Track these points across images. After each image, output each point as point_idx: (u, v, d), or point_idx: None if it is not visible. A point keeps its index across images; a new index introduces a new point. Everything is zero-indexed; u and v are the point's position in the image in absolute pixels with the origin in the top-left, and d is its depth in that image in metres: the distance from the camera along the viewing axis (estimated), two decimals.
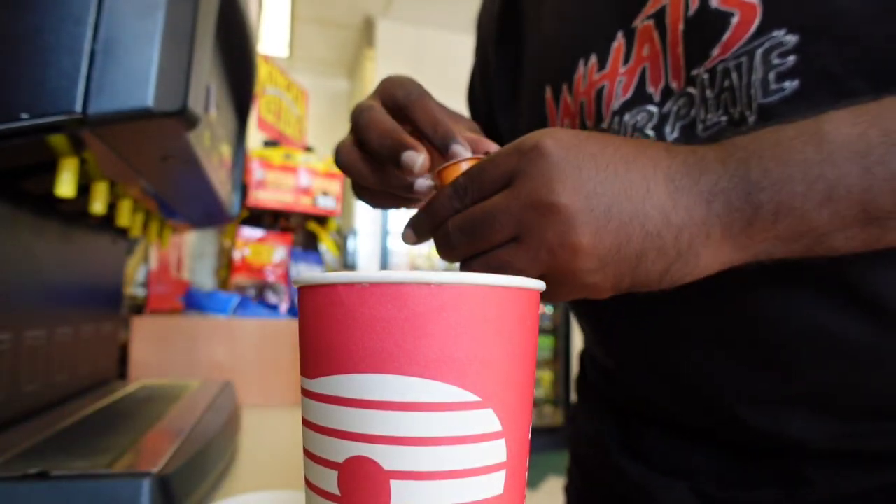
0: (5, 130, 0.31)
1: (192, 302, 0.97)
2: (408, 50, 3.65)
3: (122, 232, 0.72)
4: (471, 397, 0.20)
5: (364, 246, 3.40)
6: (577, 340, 3.89)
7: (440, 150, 0.30)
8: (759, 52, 0.31)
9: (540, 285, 0.22)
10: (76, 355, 0.60)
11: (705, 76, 0.34)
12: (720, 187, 0.26)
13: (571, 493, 0.55)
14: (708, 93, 0.34)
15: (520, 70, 0.49)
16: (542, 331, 3.94)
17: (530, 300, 0.22)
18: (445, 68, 3.89)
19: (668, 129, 0.36)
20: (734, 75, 0.32)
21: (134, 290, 1.06)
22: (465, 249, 0.28)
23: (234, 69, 0.63)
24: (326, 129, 4.09)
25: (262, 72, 2.11)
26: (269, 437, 0.69)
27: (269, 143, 2.32)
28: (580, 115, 0.41)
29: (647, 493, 0.43)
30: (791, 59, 0.30)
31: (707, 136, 0.34)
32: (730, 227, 0.26)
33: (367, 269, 3.32)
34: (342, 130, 4.30)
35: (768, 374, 0.36)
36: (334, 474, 0.20)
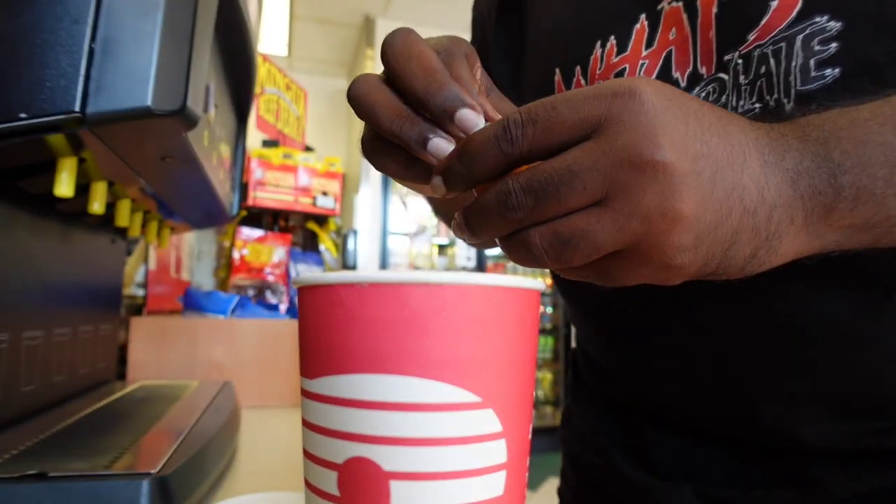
0: (4, 130, 0.31)
1: (191, 302, 0.97)
2: None
3: (121, 232, 0.72)
4: (471, 397, 0.19)
5: (364, 246, 3.40)
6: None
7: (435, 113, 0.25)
8: (800, 38, 0.30)
9: (540, 286, 0.22)
10: (75, 356, 0.60)
11: (739, 61, 0.32)
12: (804, 167, 0.24)
13: (566, 495, 0.54)
14: (742, 79, 0.33)
15: (522, 53, 0.48)
16: (542, 331, 3.94)
17: (530, 300, 0.22)
18: None
19: None
20: (772, 61, 0.31)
21: (133, 290, 1.06)
22: (530, 215, 0.22)
23: (233, 69, 0.63)
24: (326, 129, 4.09)
25: (262, 71, 2.11)
26: (269, 437, 0.68)
27: (269, 143, 2.32)
28: None
29: (650, 496, 0.42)
30: (833, 46, 0.29)
31: None
32: (811, 212, 0.24)
33: (367, 269, 3.32)
34: (342, 130, 4.32)
35: (788, 372, 0.35)
36: (334, 475, 0.20)
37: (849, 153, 0.23)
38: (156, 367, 0.82)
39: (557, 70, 0.42)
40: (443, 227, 4.04)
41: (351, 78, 4.37)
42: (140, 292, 1.08)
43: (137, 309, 1.06)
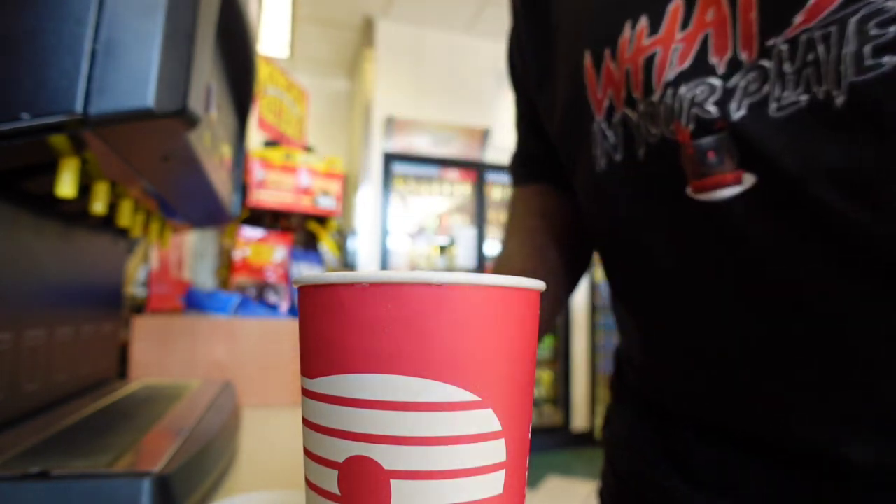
0: (6, 131, 0.31)
1: (193, 302, 0.97)
2: (408, 50, 3.65)
3: (123, 232, 0.72)
4: (471, 397, 0.20)
5: (364, 246, 3.40)
6: (578, 340, 3.89)
7: None
8: (853, 20, 0.27)
9: (540, 285, 0.22)
10: (77, 355, 0.60)
11: (784, 47, 0.29)
12: None
13: (606, 497, 0.51)
14: (786, 67, 0.29)
15: (551, 39, 0.45)
16: None
17: (530, 300, 0.22)
18: (445, 68, 3.89)
19: (733, 105, 0.32)
20: (820, 47, 0.28)
21: (134, 289, 1.06)
22: None
23: (234, 69, 0.63)
24: (326, 129, 4.09)
25: (263, 72, 2.11)
26: (270, 436, 0.69)
27: (270, 144, 2.32)
28: (626, 84, 0.37)
29: None
30: (892, 29, 0.26)
31: (781, 116, 0.30)
32: None
33: (367, 269, 3.32)
34: (342, 131, 4.32)
35: (843, 390, 0.32)
36: (334, 474, 0.20)
37: None
38: (157, 366, 0.82)
39: (587, 53, 0.40)
40: (443, 227, 4.04)
41: (351, 78, 4.38)
42: (142, 292, 1.08)
43: (139, 308, 1.06)
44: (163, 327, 0.84)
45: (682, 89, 0.33)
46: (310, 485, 0.22)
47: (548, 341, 3.96)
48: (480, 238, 3.72)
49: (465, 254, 3.68)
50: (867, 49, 0.27)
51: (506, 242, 0.55)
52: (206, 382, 0.73)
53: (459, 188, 3.84)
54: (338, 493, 0.20)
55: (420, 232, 3.90)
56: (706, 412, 0.40)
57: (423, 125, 3.61)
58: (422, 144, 3.65)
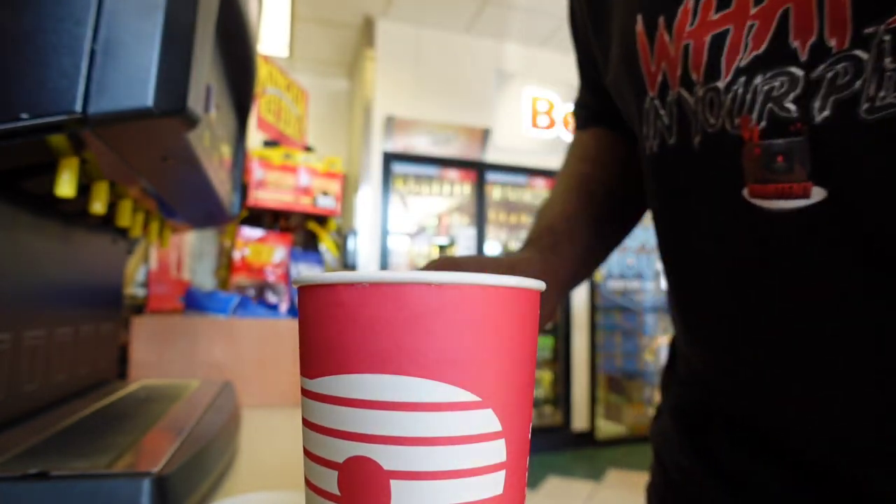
0: (5, 130, 0.31)
1: (192, 302, 0.97)
2: (408, 50, 3.65)
3: (123, 232, 0.72)
4: (471, 397, 0.20)
5: (364, 246, 3.40)
6: (578, 340, 3.89)
7: None
8: None
9: (540, 285, 0.22)
10: (76, 355, 0.60)
11: (887, 38, 0.25)
12: None
13: (652, 492, 0.50)
14: (888, 61, 0.25)
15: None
16: (542, 330, 3.93)
17: (530, 300, 0.22)
18: (445, 68, 3.89)
19: (816, 103, 0.27)
20: None
21: (134, 290, 1.06)
22: None
23: (234, 69, 0.63)
24: (326, 129, 4.09)
25: (262, 72, 2.11)
26: (269, 437, 0.69)
27: (269, 143, 2.32)
28: (683, 62, 0.33)
29: None
30: None
31: (873, 120, 0.25)
32: None
33: (367, 269, 3.32)
34: (342, 130, 4.31)
35: (874, 407, 0.29)
36: (334, 474, 0.20)
37: None
38: (157, 366, 0.82)
39: (639, 17, 0.36)
40: (443, 226, 4.04)
41: (351, 78, 4.38)
42: (141, 292, 1.08)
43: (138, 308, 1.06)
44: (162, 327, 0.84)
45: (758, 79, 0.29)
46: (309, 485, 0.22)
47: (548, 341, 3.96)
48: (480, 238, 3.72)
49: (465, 254, 3.67)
50: None
51: (556, 186, 0.52)
52: (206, 383, 0.73)
53: (459, 188, 3.84)
54: (338, 493, 0.20)
55: (420, 232, 3.90)
56: (739, 410, 0.38)
57: (423, 125, 3.61)
58: (422, 144, 3.65)
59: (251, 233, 1.87)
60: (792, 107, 0.28)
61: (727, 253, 0.35)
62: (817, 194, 0.28)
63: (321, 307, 0.21)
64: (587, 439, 3.78)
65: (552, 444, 3.67)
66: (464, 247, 3.70)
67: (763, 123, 0.30)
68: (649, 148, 0.39)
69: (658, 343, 4.13)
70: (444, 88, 3.67)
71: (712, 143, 0.33)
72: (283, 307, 1.58)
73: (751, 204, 0.32)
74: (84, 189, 0.44)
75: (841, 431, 0.32)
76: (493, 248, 3.91)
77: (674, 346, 0.50)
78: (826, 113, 0.27)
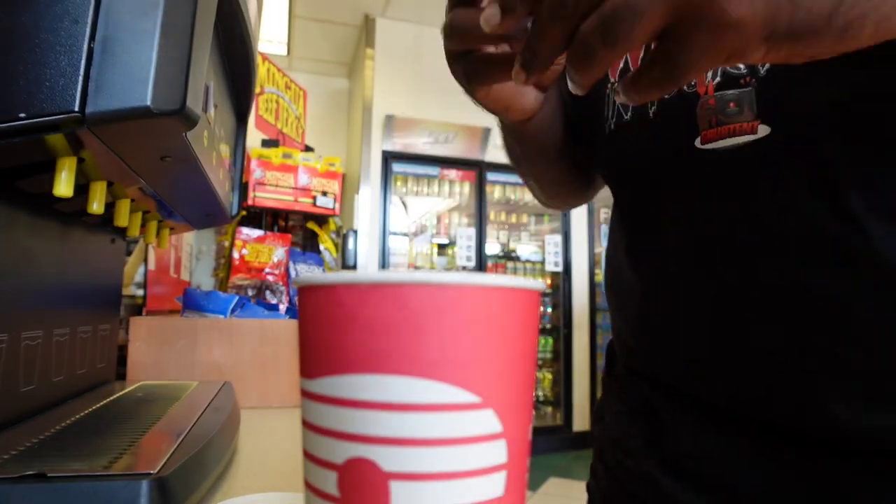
0: (3, 130, 0.31)
1: (191, 302, 0.97)
2: (407, 49, 3.65)
3: (121, 232, 0.71)
4: (471, 398, 0.19)
5: (364, 246, 3.40)
6: (578, 340, 3.89)
7: None
8: None
9: (540, 285, 0.22)
10: (74, 356, 0.60)
11: None
12: None
13: (595, 490, 0.51)
14: None
15: None
16: (542, 331, 3.95)
17: (530, 300, 0.22)
18: (445, 67, 3.89)
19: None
20: None
21: (132, 290, 1.06)
22: (576, 8, 0.23)
23: (233, 68, 0.63)
24: (325, 129, 4.09)
25: (261, 71, 2.11)
26: (268, 437, 0.68)
27: (268, 143, 2.32)
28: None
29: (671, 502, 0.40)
30: None
31: (806, 66, 0.27)
32: None
33: (367, 269, 3.32)
34: (342, 130, 4.30)
35: (834, 348, 0.31)
36: (334, 475, 0.20)
37: None
38: (155, 367, 0.82)
39: None
40: (443, 226, 4.04)
41: (351, 78, 4.37)
42: (139, 292, 1.08)
43: (137, 309, 1.06)
44: (161, 328, 0.84)
45: None
46: (309, 487, 0.22)
47: (548, 342, 3.96)
48: (480, 238, 3.72)
49: (464, 254, 3.68)
50: None
51: None
52: (205, 383, 0.73)
53: (459, 188, 3.84)
54: (337, 494, 0.20)
55: (420, 232, 3.90)
56: (692, 383, 0.39)
57: (422, 124, 3.61)
58: (421, 144, 3.65)
59: (250, 233, 1.86)
60: (741, 65, 0.35)
61: (680, 202, 0.40)
62: (763, 130, 0.34)
63: (321, 307, 0.21)
64: (587, 440, 3.78)
65: (552, 445, 3.68)
66: (463, 246, 3.70)
67: (718, 79, 0.37)
68: (607, 127, 0.45)
69: None
70: (443, 88, 3.66)
71: (667, 106, 0.40)
72: (283, 307, 1.58)
73: (704, 150, 0.37)
74: (82, 189, 0.44)
75: (796, 384, 0.33)
76: (492, 248, 3.92)
77: (611, 350, 0.54)
78: (768, 65, 0.34)
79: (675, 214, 0.40)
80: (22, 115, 0.31)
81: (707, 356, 0.38)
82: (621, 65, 0.43)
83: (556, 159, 0.53)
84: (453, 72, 0.37)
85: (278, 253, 1.84)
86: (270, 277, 1.77)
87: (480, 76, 0.35)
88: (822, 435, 0.32)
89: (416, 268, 3.71)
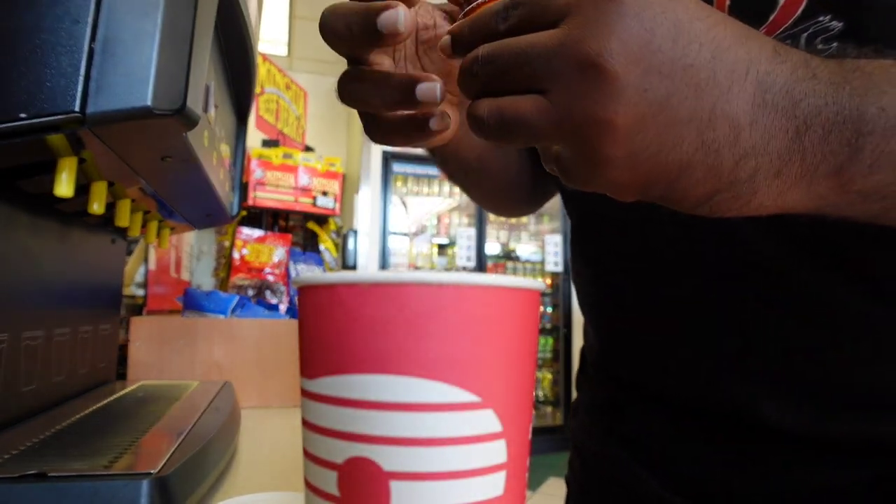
0: (4, 130, 0.31)
1: (191, 302, 0.97)
2: None
3: (121, 232, 0.71)
4: (471, 397, 0.19)
5: (364, 246, 3.40)
6: (577, 340, 3.89)
7: None
8: (804, 36, 0.30)
9: (540, 286, 0.22)
10: (75, 355, 0.60)
11: None
12: (822, 119, 0.21)
13: (572, 483, 0.56)
14: None
15: None
16: (542, 331, 3.95)
17: (530, 300, 0.22)
18: None
19: None
20: None
21: (133, 290, 1.06)
22: (484, 84, 0.23)
23: (233, 68, 0.63)
24: (325, 129, 4.09)
25: (262, 71, 2.11)
26: (269, 437, 0.68)
27: (268, 143, 2.32)
28: None
29: (643, 491, 0.44)
30: (834, 46, 0.29)
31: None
32: (814, 169, 0.21)
33: (367, 269, 3.32)
34: (342, 130, 4.30)
35: (769, 353, 0.36)
36: (334, 475, 0.20)
37: (886, 111, 0.21)
38: (156, 367, 0.82)
39: None
40: (443, 226, 4.04)
41: None
42: (140, 292, 1.08)
43: (137, 309, 1.06)
44: (161, 328, 0.84)
45: None
46: (309, 486, 0.22)
47: (548, 342, 3.96)
48: (480, 238, 3.72)
49: (465, 254, 3.68)
50: None
51: None
52: (205, 383, 0.73)
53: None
54: (337, 494, 0.20)
55: (420, 232, 3.90)
56: (650, 380, 0.44)
57: None
58: None
59: (250, 233, 1.86)
60: None
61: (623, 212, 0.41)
62: None
63: (321, 307, 0.21)
64: None
65: (552, 444, 3.67)
66: (464, 246, 3.70)
67: None
68: None
69: None
70: None
71: None
72: (283, 307, 1.58)
73: None
74: (82, 189, 0.44)
75: (732, 386, 0.37)
76: (492, 248, 3.91)
77: (584, 354, 0.57)
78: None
79: (620, 225, 0.42)
80: (22, 115, 0.31)
81: (655, 357, 0.42)
82: None
83: (495, 173, 0.53)
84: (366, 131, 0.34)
85: (278, 253, 1.84)
86: (271, 277, 1.77)
87: (395, 138, 0.32)
88: (750, 423, 0.37)
89: (417, 268, 3.71)
